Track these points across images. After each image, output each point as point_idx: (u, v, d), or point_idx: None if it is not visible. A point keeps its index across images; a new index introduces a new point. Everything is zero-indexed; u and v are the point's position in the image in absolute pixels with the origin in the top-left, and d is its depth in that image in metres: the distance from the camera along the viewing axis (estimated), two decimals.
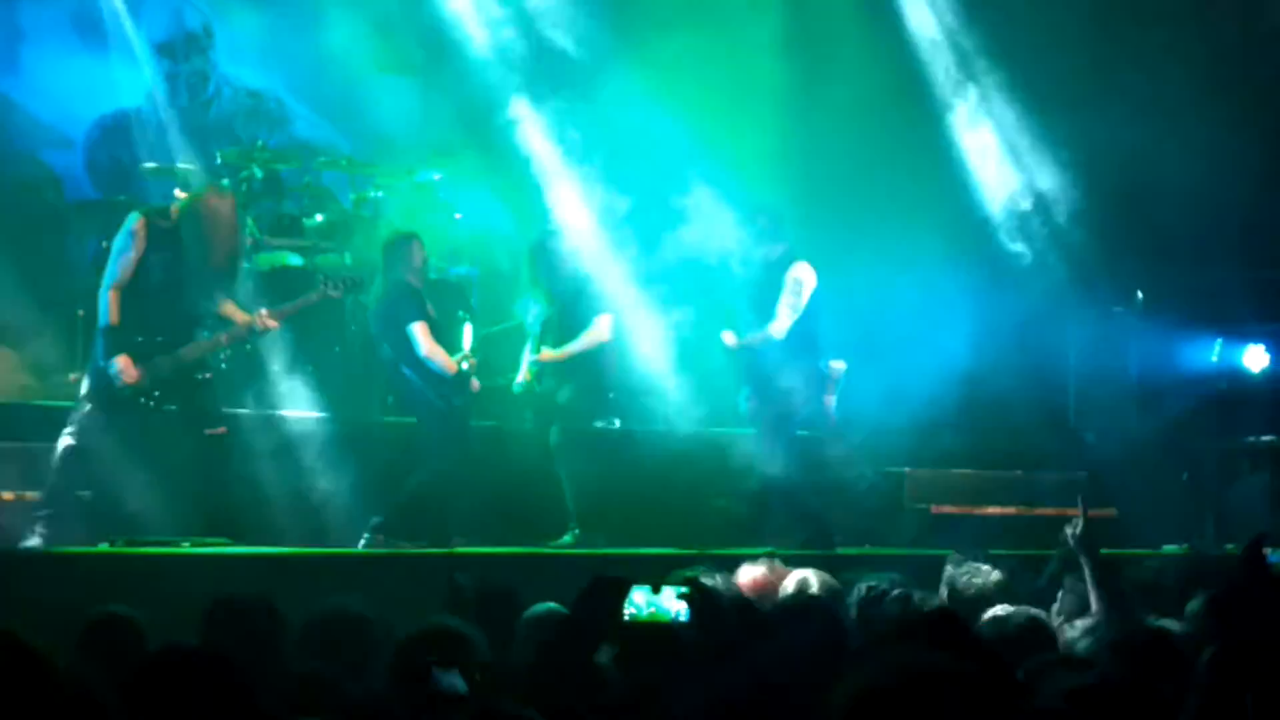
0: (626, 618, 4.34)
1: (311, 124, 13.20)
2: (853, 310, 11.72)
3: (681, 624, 4.47)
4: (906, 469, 11.45)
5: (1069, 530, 6.40)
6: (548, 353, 10.32)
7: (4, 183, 12.06)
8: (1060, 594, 6.82)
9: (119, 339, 9.02)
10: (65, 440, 8.92)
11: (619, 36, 11.89)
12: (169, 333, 9.15)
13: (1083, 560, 6.27)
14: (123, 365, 8.96)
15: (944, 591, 6.81)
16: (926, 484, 11.42)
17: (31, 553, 8.48)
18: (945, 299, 11.93)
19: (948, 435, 11.81)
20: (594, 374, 10.32)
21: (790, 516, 10.04)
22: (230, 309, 9.41)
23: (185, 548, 8.77)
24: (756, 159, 11.75)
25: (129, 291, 9.07)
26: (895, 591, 6.32)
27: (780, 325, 10.35)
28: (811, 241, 11.54)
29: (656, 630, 4.39)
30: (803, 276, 10.40)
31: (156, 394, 9.08)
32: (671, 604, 4.44)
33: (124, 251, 9.09)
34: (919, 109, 12.33)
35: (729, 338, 10.51)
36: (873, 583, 6.44)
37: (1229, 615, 5.73)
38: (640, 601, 4.40)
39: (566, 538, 10.03)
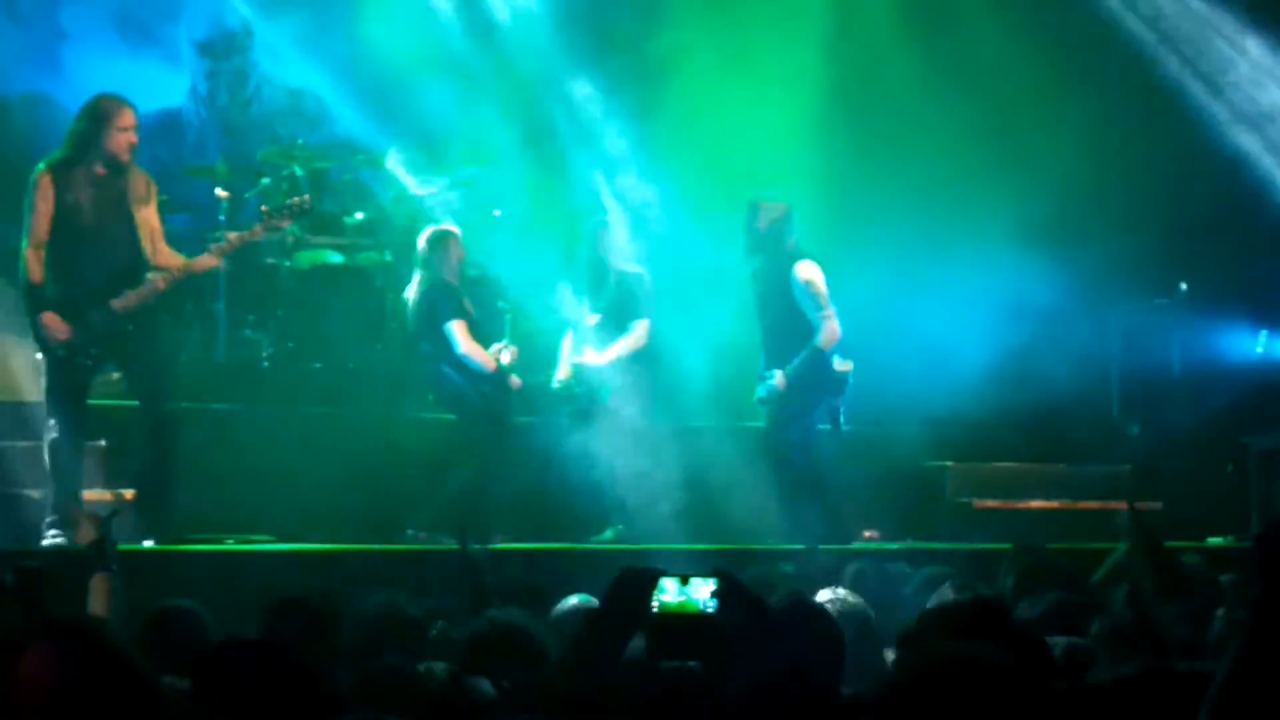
0: (656, 609, 4.33)
1: (351, 122, 13.21)
2: (895, 302, 11.72)
3: (712, 615, 4.46)
4: (949, 463, 11.41)
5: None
6: (591, 354, 10.31)
7: None
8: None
9: (42, 296, 8.62)
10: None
11: (661, 29, 11.94)
12: (98, 284, 8.68)
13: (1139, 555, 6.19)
14: (48, 321, 8.57)
15: None
16: (969, 478, 11.37)
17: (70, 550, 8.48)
18: (988, 291, 11.90)
19: (990, 429, 11.77)
20: (633, 375, 10.33)
21: (809, 512, 9.93)
22: (168, 255, 8.90)
23: (230, 544, 8.80)
24: (798, 144, 11.76)
25: (51, 247, 8.62)
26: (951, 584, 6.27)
27: (828, 334, 10.18)
28: (854, 231, 11.55)
29: (687, 622, 4.38)
30: (815, 277, 10.11)
31: (94, 351, 8.68)
32: (702, 595, 4.43)
33: (32, 209, 8.62)
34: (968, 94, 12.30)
35: (780, 381, 10.28)
36: (934, 571, 6.42)
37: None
38: (671, 593, 4.39)
39: (609, 533, 10.03)
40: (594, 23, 12.30)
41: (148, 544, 8.56)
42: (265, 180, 11.41)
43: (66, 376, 8.65)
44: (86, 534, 5.59)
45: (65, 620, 3.55)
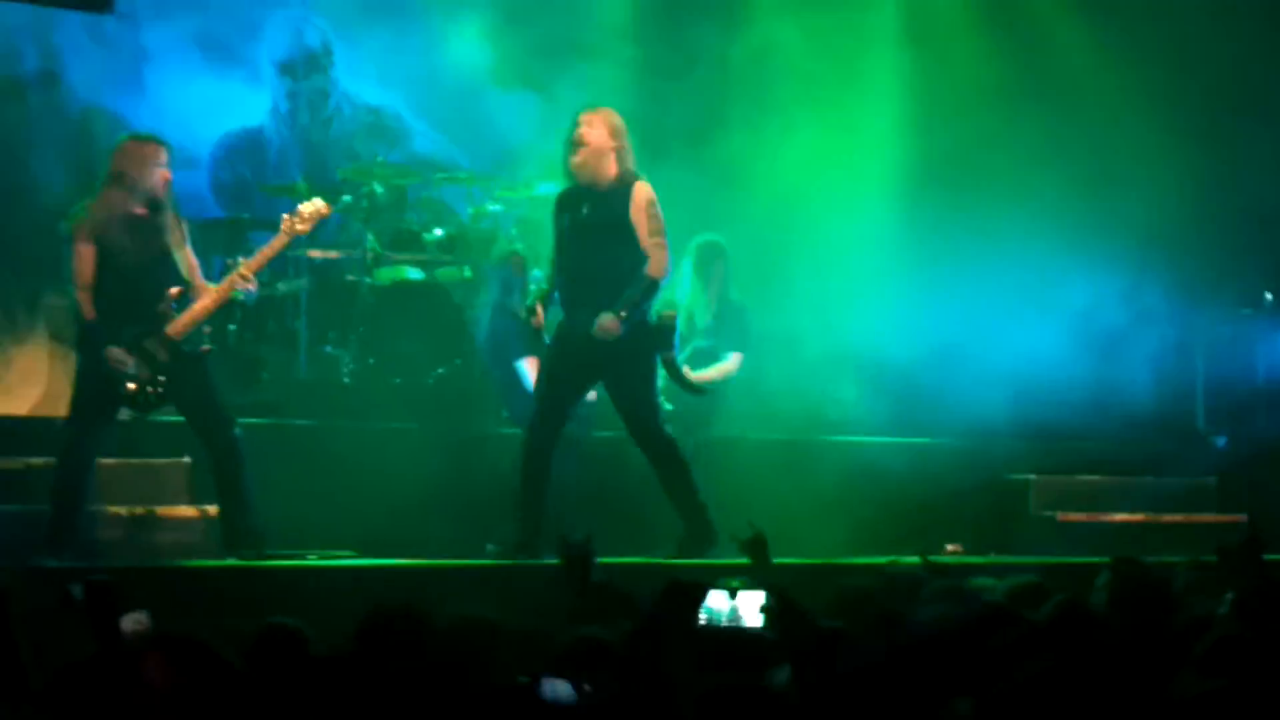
0: (703, 622, 4.31)
1: (430, 139, 13.29)
2: (976, 315, 11.66)
3: (759, 629, 4.43)
4: (1032, 476, 11.31)
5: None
6: (688, 371, 10.31)
7: None
8: None
9: (100, 333, 8.70)
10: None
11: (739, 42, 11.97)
12: (150, 316, 8.78)
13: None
14: (115, 356, 8.64)
15: None
16: (1052, 491, 11.27)
17: (159, 566, 8.55)
18: (1070, 303, 11.82)
19: (1074, 441, 11.69)
20: (719, 398, 10.39)
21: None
22: (200, 281, 8.97)
23: (313, 560, 8.84)
24: (876, 150, 11.75)
25: (98, 287, 8.71)
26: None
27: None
28: (933, 246, 11.51)
29: (733, 636, 4.36)
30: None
31: (161, 378, 8.76)
32: (749, 610, 4.40)
33: (75, 254, 8.70)
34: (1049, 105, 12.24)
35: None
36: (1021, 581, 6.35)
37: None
38: (718, 606, 4.37)
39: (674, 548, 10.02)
40: (673, 38, 12.33)
41: (231, 561, 8.64)
42: (346, 198, 11.47)
43: (103, 395, 8.74)
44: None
45: (175, 634, 3.60)
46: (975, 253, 11.87)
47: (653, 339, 9.09)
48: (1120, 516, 11.10)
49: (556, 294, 9.18)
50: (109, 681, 3.49)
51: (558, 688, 4.41)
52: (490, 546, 9.29)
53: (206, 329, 9.11)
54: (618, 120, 9.13)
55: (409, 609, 5.18)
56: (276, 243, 9.21)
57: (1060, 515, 11.04)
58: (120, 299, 8.73)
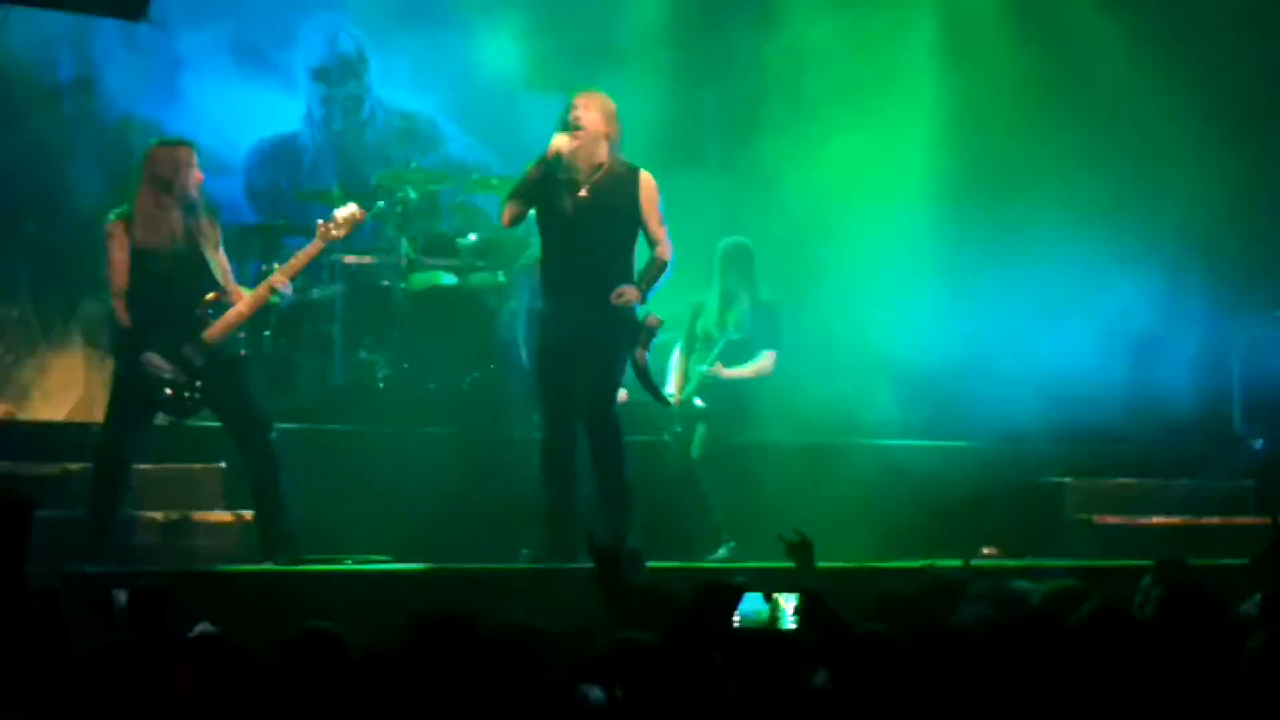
0: (738, 624, 4.30)
1: (464, 144, 13.30)
2: (1011, 318, 11.63)
3: (793, 632, 4.41)
4: (1068, 479, 11.28)
5: None
6: (721, 367, 10.29)
7: None
8: None
9: (137, 340, 8.74)
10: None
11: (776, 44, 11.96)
12: (186, 322, 8.82)
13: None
14: (152, 361, 8.68)
15: None
16: (1088, 494, 11.24)
17: (194, 572, 8.56)
18: (1106, 306, 11.78)
19: (1110, 444, 11.64)
20: (752, 396, 10.35)
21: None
22: (239, 292, 9.00)
23: (349, 565, 8.85)
24: (911, 154, 11.73)
25: (133, 293, 8.74)
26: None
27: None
28: (971, 250, 11.49)
29: (768, 638, 4.34)
30: None
31: (199, 384, 8.78)
32: (785, 612, 4.39)
33: (108, 260, 8.75)
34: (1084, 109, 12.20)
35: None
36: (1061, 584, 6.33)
37: None
38: (755, 609, 4.36)
39: (722, 551, 10.01)
40: (707, 42, 12.34)
41: (267, 566, 8.65)
42: (380, 203, 11.49)
43: (140, 400, 8.76)
44: None
45: (210, 637, 3.62)
46: (1009, 255, 11.86)
47: (635, 334, 9.07)
48: (1157, 519, 11.05)
49: (538, 281, 9.15)
50: (148, 684, 3.50)
51: (590, 693, 4.41)
52: (525, 551, 9.29)
53: (241, 334, 9.13)
54: (612, 106, 9.10)
55: (460, 614, 5.17)
56: (312, 248, 9.21)
57: (1097, 518, 11.00)
58: (156, 303, 8.75)
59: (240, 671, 3.53)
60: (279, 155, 13.06)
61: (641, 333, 9.06)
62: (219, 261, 8.98)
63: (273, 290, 9.01)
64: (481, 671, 4.79)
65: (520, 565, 9.13)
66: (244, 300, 8.92)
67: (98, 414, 11.11)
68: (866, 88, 12.01)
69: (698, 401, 10.40)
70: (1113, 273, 11.80)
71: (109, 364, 10.54)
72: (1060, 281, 11.87)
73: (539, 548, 9.05)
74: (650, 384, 9.34)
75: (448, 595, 7.45)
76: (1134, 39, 12.28)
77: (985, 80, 12.16)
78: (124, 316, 8.75)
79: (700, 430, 10.37)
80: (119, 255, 8.74)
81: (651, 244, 9.04)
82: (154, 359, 8.71)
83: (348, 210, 9.29)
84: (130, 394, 8.81)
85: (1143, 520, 11.00)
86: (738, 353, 10.44)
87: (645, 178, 9.07)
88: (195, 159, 8.91)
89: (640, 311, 9.06)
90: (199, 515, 9.24)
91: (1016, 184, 12.02)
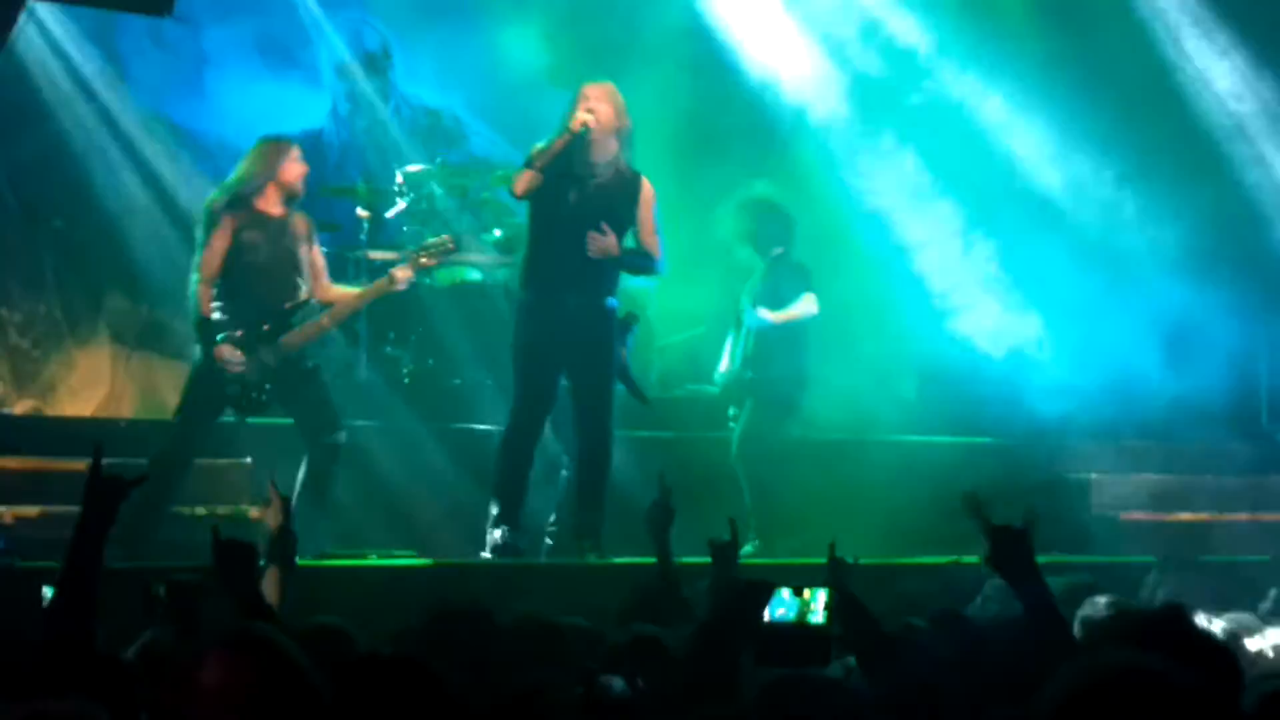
0: (768, 620, 4.30)
1: (489, 140, 13.31)
2: (1038, 313, 11.61)
3: (823, 628, 4.40)
4: (1093, 474, 11.25)
5: None
6: (766, 311, 10.23)
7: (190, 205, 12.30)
8: None
9: (215, 330, 8.76)
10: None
11: None
12: (270, 321, 8.88)
13: None
14: (225, 354, 8.70)
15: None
16: (1114, 490, 11.20)
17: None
18: (1133, 302, 11.75)
19: (1136, 440, 11.61)
20: (798, 363, 10.31)
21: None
22: (335, 291, 9.19)
23: (373, 560, 8.87)
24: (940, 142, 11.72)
25: (222, 283, 8.79)
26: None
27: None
28: (996, 243, 11.47)
29: (799, 634, 4.34)
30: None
31: (268, 386, 8.84)
32: (816, 608, 4.38)
33: (206, 244, 8.79)
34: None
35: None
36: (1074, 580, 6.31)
37: None
38: (785, 604, 4.35)
39: (747, 548, 10.00)
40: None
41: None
42: (405, 199, 11.51)
43: (214, 396, 8.79)
44: (275, 518, 5.58)
45: (240, 628, 3.63)
46: (1036, 252, 11.82)
47: (617, 330, 9.04)
48: (1184, 515, 11.02)
49: (532, 273, 9.07)
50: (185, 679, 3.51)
51: (613, 684, 4.42)
52: (548, 542, 9.27)
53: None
54: (622, 99, 9.05)
55: (474, 607, 5.18)
56: (444, 249, 9.27)
57: (1123, 514, 10.96)
58: (243, 297, 8.82)
59: (272, 664, 3.52)
60: (304, 151, 13.04)
61: (620, 329, 9.06)
62: (314, 259, 9.07)
63: (385, 288, 9.11)
64: (498, 662, 4.80)
65: (543, 561, 9.15)
66: (326, 317, 9.05)
67: (124, 410, 11.19)
68: (888, 82, 11.99)
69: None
70: (1140, 268, 11.76)
71: (135, 361, 10.58)
72: (1088, 277, 11.83)
73: (507, 539, 8.93)
74: (629, 379, 9.32)
75: (470, 589, 7.45)
76: (1165, 31, 12.21)
77: (1012, 69, 12.11)
78: (206, 304, 8.77)
79: (742, 421, 10.32)
80: (220, 243, 8.79)
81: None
82: (227, 351, 8.73)
83: (440, 240, 9.36)
84: (205, 388, 8.83)
85: (1169, 516, 10.96)
86: (771, 297, 10.34)
87: (646, 185, 9.04)
88: (298, 154, 9.04)
89: (621, 308, 9.09)
90: (224, 510, 9.25)
91: (1044, 178, 12.00)
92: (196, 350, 8.93)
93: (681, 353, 11.90)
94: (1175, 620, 4.01)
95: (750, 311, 10.25)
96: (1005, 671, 4.49)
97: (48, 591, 5.24)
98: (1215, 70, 11.99)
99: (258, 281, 8.84)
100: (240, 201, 8.87)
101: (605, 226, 8.82)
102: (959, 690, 4.29)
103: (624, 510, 8.62)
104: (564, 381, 9.14)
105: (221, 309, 8.79)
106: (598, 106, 8.91)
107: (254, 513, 8.43)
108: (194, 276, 8.84)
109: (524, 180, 8.95)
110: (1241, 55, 11.97)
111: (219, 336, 8.74)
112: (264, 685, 3.46)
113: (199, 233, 8.91)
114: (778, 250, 10.38)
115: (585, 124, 8.80)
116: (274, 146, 9.06)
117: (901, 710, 4.15)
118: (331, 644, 5.00)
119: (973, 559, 8.05)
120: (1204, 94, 12.00)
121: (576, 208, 8.91)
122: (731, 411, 10.42)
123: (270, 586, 5.37)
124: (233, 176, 9.06)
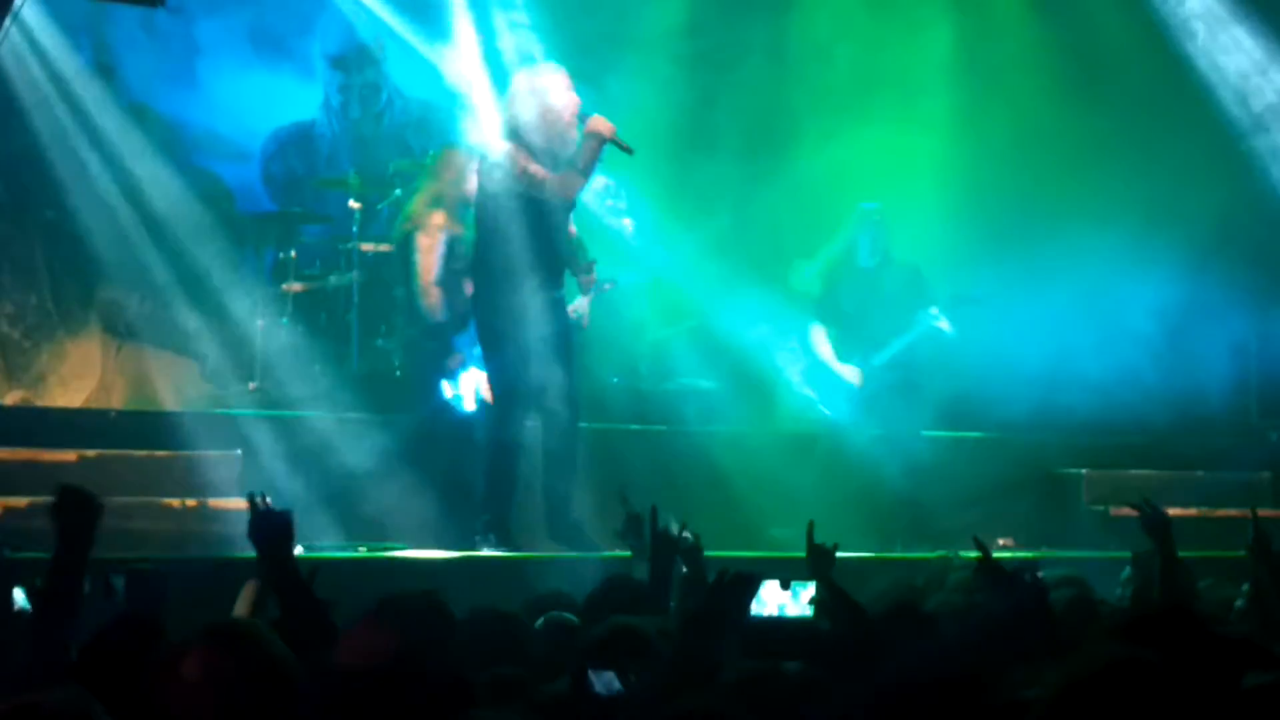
0: (755, 613, 4.29)
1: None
2: (1027, 306, 11.61)
3: (812, 621, 4.40)
4: (1084, 470, 11.26)
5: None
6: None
7: (182, 195, 12.28)
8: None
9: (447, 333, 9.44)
10: None
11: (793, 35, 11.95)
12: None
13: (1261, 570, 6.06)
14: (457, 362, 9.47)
15: None
16: (1104, 485, 11.21)
17: (219, 559, 8.57)
18: (1123, 295, 11.76)
19: (1126, 435, 11.62)
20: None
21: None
22: None
23: (363, 552, 8.87)
24: (930, 145, 11.72)
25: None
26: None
27: None
28: (987, 237, 11.46)
29: (786, 627, 4.34)
30: None
31: None
32: (803, 601, 4.38)
33: (420, 247, 9.48)
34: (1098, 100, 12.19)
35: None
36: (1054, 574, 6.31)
37: None
38: (771, 598, 4.35)
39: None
40: (726, 32, 12.31)
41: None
42: (397, 191, 11.50)
43: None
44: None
45: (224, 624, 3.62)
46: (1028, 247, 11.82)
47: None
48: (1174, 511, 10.98)
49: (531, 272, 9.05)
50: (147, 671, 3.50)
51: (604, 678, 4.41)
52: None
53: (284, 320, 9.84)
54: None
55: (429, 598, 5.16)
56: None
57: (1113, 510, 10.96)
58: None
59: (256, 661, 3.50)
60: (296, 143, 13.07)
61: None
62: None
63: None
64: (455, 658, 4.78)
65: (545, 555, 9.14)
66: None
67: (115, 400, 11.16)
68: (887, 78, 11.98)
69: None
70: (1130, 265, 11.77)
71: (125, 351, 10.56)
72: (1079, 274, 11.84)
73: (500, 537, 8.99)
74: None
75: (460, 582, 7.46)
76: (1153, 29, 12.23)
77: (1007, 72, 12.12)
78: (439, 308, 9.54)
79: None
80: (436, 245, 9.52)
81: None
82: (458, 361, 9.51)
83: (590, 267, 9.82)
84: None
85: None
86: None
87: None
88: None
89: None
90: (214, 502, 9.25)
91: (1037, 175, 11.99)
92: (423, 353, 10.03)
93: (674, 345, 11.89)
94: (1176, 616, 4.04)
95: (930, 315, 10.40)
96: (962, 665, 4.50)
97: (19, 594, 5.22)
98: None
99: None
100: (443, 205, 9.90)
101: None
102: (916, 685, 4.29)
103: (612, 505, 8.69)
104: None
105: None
106: (570, 95, 9.12)
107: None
108: (415, 281, 9.81)
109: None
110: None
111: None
112: (247, 680, 3.44)
113: (411, 234, 9.76)
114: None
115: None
116: (459, 157, 9.90)
117: (878, 704, 4.14)
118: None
119: (972, 554, 8.09)
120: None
121: (565, 202, 9.13)
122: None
123: (245, 601, 5.34)
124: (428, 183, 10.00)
